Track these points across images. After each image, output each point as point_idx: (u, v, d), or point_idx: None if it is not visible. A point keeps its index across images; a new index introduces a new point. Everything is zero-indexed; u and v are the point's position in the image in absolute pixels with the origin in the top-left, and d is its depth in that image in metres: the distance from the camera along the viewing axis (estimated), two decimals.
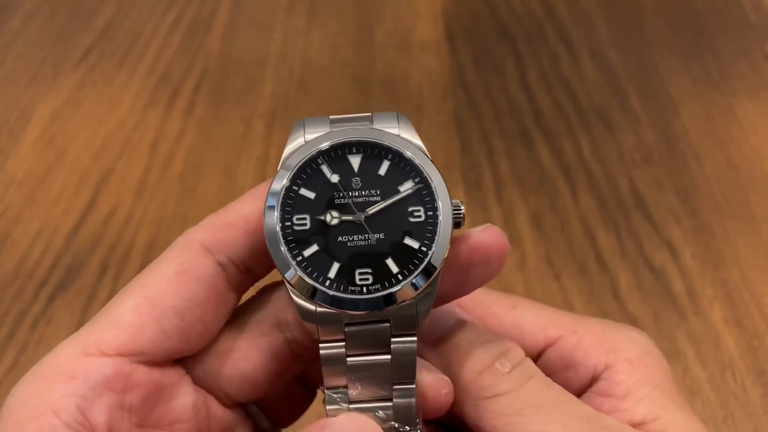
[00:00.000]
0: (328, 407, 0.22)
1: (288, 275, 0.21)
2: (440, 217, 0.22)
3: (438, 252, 0.21)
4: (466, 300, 0.27)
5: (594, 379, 0.26)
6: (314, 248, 0.21)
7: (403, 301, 0.21)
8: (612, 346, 0.26)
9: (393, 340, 0.22)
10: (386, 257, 0.21)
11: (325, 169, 0.22)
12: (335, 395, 0.22)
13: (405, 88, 0.65)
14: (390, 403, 0.22)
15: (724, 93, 0.62)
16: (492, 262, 0.23)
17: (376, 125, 0.23)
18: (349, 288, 0.21)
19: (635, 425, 0.24)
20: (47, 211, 0.56)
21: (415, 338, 0.22)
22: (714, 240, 0.52)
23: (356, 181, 0.22)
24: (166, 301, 0.22)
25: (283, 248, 0.21)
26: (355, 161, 0.22)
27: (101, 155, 0.60)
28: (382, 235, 0.21)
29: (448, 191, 0.22)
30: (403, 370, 0.22)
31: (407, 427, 0.22)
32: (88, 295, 0.50)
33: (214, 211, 0.59)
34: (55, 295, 0.51)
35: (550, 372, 0.26)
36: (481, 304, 0.28)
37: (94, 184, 0.58)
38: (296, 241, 0.21)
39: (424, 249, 0.21)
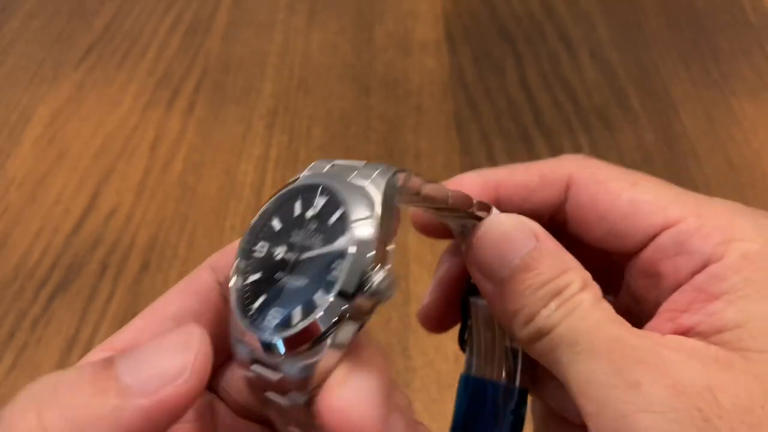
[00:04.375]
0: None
1: (231, 284, 0.22)
2: (353, 272, 0.20)
3: (326, 316, 0.19)
4: (582, 174, 0.26)
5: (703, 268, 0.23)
6: (258, 275, 0.22)
7: (282, 354, 0.20)
8: (734, 235, 0.23)
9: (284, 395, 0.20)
10: (296, 306, 0.20)
11: (297, 205, 0.22)
12: None
13: (405, 88, 0.65)
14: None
15: (724, 93, 0.62)
16: None
17: (359, 173, 0.22)
18: (260, 325, 0.20)
19: (716, 331, 0.22)
20: (47, 211, 0.56)
21: (304, 398, 0.20)
22: None
23: (314, 222, 0.22)
24: (167, 309, 0.23)
25: (235, 276, 0.22)
26: (320, 203, 0.22)
27: (101, 155, 0.60)
28: (305, 282, 0.21)
29: (383, 258, 0.20)
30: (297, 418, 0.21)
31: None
32: (88, 295, 0.50)
33: (215, 210, 0.59)
34: (55, 295, 0.51)
35: (659, 257, 0.24)
36: (597, 179, 0.26)
37: (95, 184, 0.58)
38: (251, 266, 0.22)
39: (320, 305, 0.20)
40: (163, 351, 0.18)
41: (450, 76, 0.66)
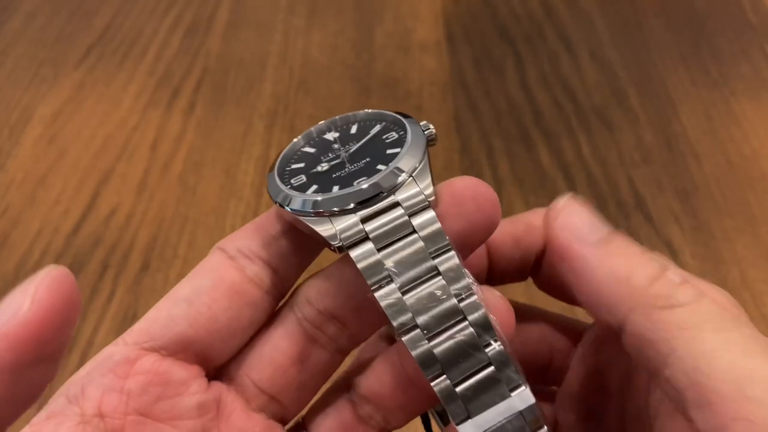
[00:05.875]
0: (382, 302, 0.22)
1: (294, 206, 0.23)
2: (410, 129, 0.25)
3: (415, 143, 0.24)
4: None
5: None
6: (314, 187, 0.24)
7: (400, 182, 0.23)
8: None
9: (412, 221, 0.23)
10: (376, 166, 0.24)
11: (307, 149, 0.26)
12: (382, 287, 0.22)
13: (405, 89, 0.65)
14: (439, 278, 0.22)
15: (723, 93, 0.62)
16: (465, 203, 0.23)
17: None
18: (352, 188, 0.23)
19: None
20: (47, 211, 0.56)
21: (432, 213, 0.23)
22: (713, 240, 0.52)
23: (335, 147, 0.26)
24: (180, 293, 0.23)
25: (289, 192, 0.24)
26: (330, 136, 0.26)
27: (101, 155, 0.60)
28: (367, 159, 0.24)
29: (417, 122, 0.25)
30: (433, 240, 0.22)
31: (468, 290, 0.22)
32: (88, 295, 0.50)
33: (215, 210, 0.59)
34: None
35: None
36: None
37: (95, 184, 0.58)
38: (298, 190, 0.24)
39: (404, 150, 0.24)
40: (11, 296, 0.18)
41: (450, 76, 0.66)
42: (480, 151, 0.59)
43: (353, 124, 0.26)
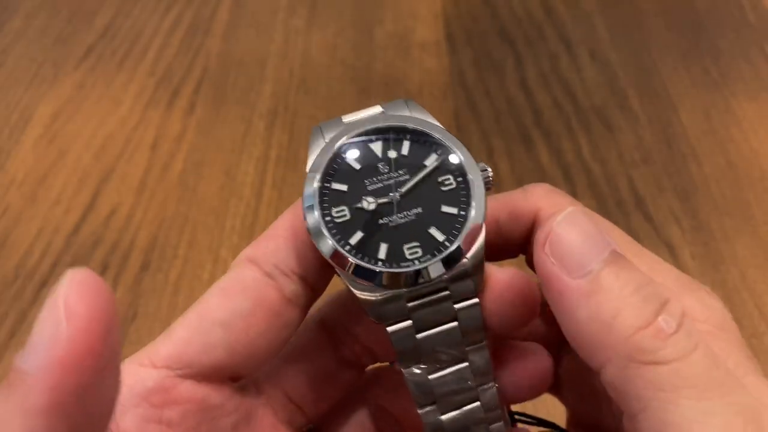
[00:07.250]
0: (408, 381, 0.23)
1: (335, 259, 0.22)
2: (471, 181, 0.23)
3: (477, 213, 0.22)
4: (548, 213, 0.25)
5: None
6: (359, 235, 0.22)
7: (456, 265, 0.22)
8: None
9: (456, 306, 0.22)
10: (429, 227, 0.22)
11: (350, 161, 0.23)
12: (414, 370, 0.22)
13: (405, 89, 0.65)
14: (465, 364, 0.22)
15: (723, 93, 0.62)
16: (506, 303, 0.22)
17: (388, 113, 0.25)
18: (401, 264, 0.21)
19: None
20: (47, 211, 0.56)
21: (477, 301, 0.22)
22: (713, 240, 0.52)
23: (383, 166, 0.23)
24: (213, 314, 0.22)
25: (330, 241, 0.22)
26: (377, 148, 0.23)
27: (102, 155, 0.60)
28: (420, 209, 0.22)
29: (472, 156, 0.23)
30: (472, 335, 0.22)
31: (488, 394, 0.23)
32: None
33: (215, 210, 0.59)
34: None
35: None
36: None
37: (95, 184, 0.58)
38: (340, 231, 0.22)
39: (462, 213, 0.22)
40: (40, 320, 0.16)
41: (450, 76, 0.66)
42: (480, 151, 0.59)
43: (405, 137, 0.24)
